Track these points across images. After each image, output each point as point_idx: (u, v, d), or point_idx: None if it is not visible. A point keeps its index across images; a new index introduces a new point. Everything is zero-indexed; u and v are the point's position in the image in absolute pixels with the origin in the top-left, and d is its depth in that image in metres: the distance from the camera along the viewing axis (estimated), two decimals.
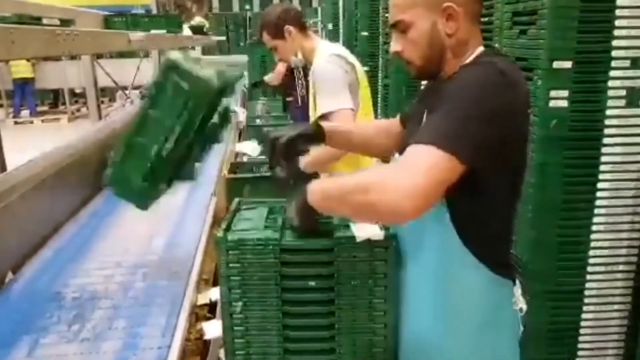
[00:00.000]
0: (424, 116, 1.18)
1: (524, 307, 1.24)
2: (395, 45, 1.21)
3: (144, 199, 1.51)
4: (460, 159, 1.01)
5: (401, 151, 1.21)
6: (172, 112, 1.38)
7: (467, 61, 1.16)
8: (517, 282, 1.25)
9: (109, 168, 1.47)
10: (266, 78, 5.50)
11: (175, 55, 1.39)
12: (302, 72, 5.22)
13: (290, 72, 5.21)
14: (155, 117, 1.40)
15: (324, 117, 2.16)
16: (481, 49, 1.19)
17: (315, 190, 1.14)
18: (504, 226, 1.21)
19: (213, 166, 2.95)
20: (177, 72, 1.36)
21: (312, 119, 2.31)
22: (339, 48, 2.36)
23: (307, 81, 5.15)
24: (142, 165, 1.42)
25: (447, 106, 1.04)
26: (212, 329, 1.48)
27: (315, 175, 1.74)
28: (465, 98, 1.04)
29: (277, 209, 1.36)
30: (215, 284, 1.84)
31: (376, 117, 4.31)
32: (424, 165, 0.99)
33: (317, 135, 1.39)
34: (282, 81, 5.32)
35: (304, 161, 2.12)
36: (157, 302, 1.51)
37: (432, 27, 1.14)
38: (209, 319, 1.58)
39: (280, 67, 5.21)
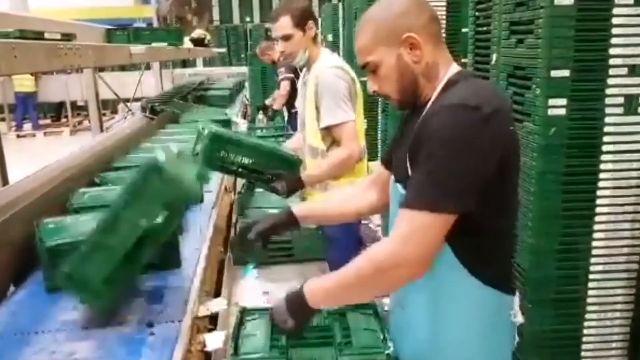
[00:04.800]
0: (408, 147, 1.17)
1: (521, 319, 1.24)
2: (371, 86, 1.25)
3: (101, 302, 1.37)
4: (454, 212, 1.06)
5: (396, 174, 1.25)
6: (148, 216, 1.27)
7: (442, 84, 1.18)
8: (516, 293, 1.26)
9: (66, 265, 1.33)
10: (268, 101, 5.57)
11: (159, 156, 1.26)
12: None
13: (291, 87, 5.28)
14: (128, 219, 1.27)
15: (328, 129, 2.19)
16: (454, 68, 1.20)
17: (315, 290, 1.18)
18: (502, 243, 1.21)
19: (213, 179, 2.94)
20: (161, 177, 1.24)
21: (307, 121, 2.33)
22: (340, 60, 2.38)
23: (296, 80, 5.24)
24: (104, 267, 1.29)
25: (432, 163, 1.06)
26: (214, 340, 1.48)
27: None
28: (445, 153, 1.05)
29: None
30: (216, 295, 1.84)
31: (377, 128, 4.33)
32: (423, 232, 1.06)
33: (291, 223, 1.47)
34: (285, 103, 5.40)
35: (303, 174, 2.18)
36: (158, 314, 1.51)
37: (399, 60, 1.17)
38: (210, 330, 1.57)
39: (283, 90, 5.26)
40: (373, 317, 1.40)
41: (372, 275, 1.10)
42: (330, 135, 2.23)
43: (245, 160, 2.09)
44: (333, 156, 2.23)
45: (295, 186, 2.19)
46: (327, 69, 2.21)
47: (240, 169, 2.12)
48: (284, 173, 2.15)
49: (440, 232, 1.07)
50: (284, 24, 2.21)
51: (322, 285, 1.18)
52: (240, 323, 1.42)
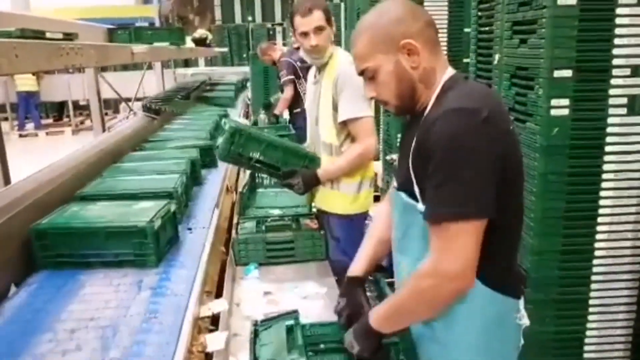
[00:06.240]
0: (411, 152, 1.17)
1: (527, 321, 1.24)
2: (369, 92, 1.25)
3: None
4: (485, 216, 1.07)
5: (399, 183, 1.25)
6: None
7: (438, 90, 1.18)
8: (522, 296, 1.26)
9: None
10: (277, 112, 5.51)
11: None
12: (304, 85, 5.27)
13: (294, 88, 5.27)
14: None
15: (345, 123, 2.19)
16: (448, 73, 1.21)
17: (378, 315, 1.22)
18: (508, 245, 1.21)
19: (215, 179, 2.95)
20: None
21: (322, 117, 2.32)
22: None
23: (307, 80, 5.19)
24: None
25: (444, 173, 1.07)
26: (215, 341, 1.47)
27: None
28: (456, 161, 1.06)
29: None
30: (218, 296, 1.83)
31: (378, 127, 4.32)
32: (460, 243, 1.07)
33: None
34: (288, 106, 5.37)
35: (319, 172, 2.18)
36: (160, 314, 1.51)
37: (397, 66, 1.17)
38: (211, 331, 1.57)
39: (287, 94, 5.24)
40: None
41: (420, 294, 1.13)
42: (346, 130, 2.23)
43: (264, 156, 2.14)
44: (349, 152, 2.23)
45: (312, 182, 2.20)
46: (346, 65, 2.21)
47: (257, 164, 2.16)
48: (299, 169, 2.16)
49: (476, 238, 1.08)
50: (318, 17, 2.22)
51: (382, 308, 1.22)
52: (255, 336, 1.41)
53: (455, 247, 1.07)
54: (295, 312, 1.48)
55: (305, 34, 2.22)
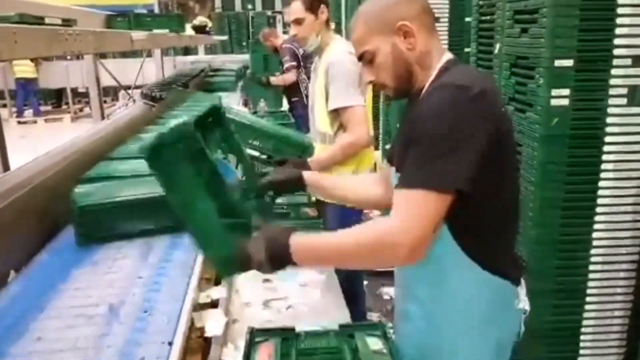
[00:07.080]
0: (405, 136, 1.18)
1: (528, 307, 1.25)
2: (367, 76, 1.27)
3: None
4: (449, 191, 1.05)
5: (397, 165, 1.25)
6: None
7: (435, 72, 1.20)
8: (522, 282, 1.27)
9: None
10: (273, 79, 5.52)
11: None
12: (305, 76, 5.26)
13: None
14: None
15: (336, 111, 2.18)
16: (446, 57, 1.22)
17: (303, 246, 1.11)
18: (503, 229, 1.22)
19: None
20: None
21: (316, 106, 2.32)
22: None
23: (306, 68, 5.20)
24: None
25: (423, 142, 1.07)
26: (214, 327, 1.48)
27: None
28: (436, 131, 1.06)
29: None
30: (217, 282, 1.84)
31: (378, 116, 4.31)
32: (418, 213, 1.04)
33: (298, 185, 1.50)
34: (285, 87, 5.40)
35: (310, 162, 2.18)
36: (159, 300, 1.51)
37: (394, 48, 1.19)
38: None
39: (290, 77, 5.24)
40: (381, 339, 1.35)
41: (370, 249, 1.07)
42: (338, 119, 2.23)
43: (255, 144, 2.13)
44: (339, 141, 2.23)
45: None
46: (340, 54, 2.21)
47: (250, 152, 2.15)
48: (291, 158, 2.16)
49: (437, 211, 1.05)
50: (295, 8, 2.24)
51: (311, 244, 1.13)
52: (250, 345, 1.38)
53: (416, 215, 1.04)
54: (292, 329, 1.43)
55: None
